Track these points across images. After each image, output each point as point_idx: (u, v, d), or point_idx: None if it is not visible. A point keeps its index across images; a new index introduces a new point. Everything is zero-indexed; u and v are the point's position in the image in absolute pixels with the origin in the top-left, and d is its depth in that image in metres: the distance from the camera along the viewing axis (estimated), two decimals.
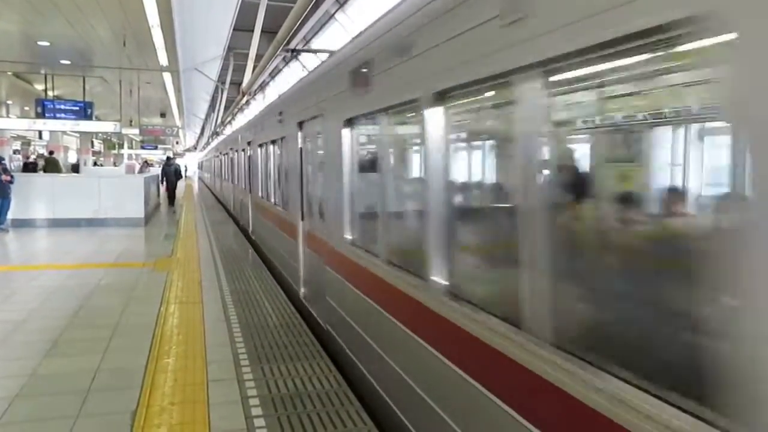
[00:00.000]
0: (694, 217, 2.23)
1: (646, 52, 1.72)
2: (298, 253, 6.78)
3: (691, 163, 2.66)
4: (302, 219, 6.64)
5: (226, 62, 20.71)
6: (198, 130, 47.88)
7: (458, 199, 3.24)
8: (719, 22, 1.38)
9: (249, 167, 12.26)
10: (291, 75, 20.19)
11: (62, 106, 17.21)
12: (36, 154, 30.63)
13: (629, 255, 2.16)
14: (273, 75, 23.51)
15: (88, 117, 17.43)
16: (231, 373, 4.44)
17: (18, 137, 34.05)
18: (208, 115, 36.03)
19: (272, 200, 9.17)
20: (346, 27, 14.37)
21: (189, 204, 21.96)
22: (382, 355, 3.84)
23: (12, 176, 13.14)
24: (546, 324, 2.11)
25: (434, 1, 2.97)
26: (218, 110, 26.38)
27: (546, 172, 2.18)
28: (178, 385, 4.19)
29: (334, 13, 14.81)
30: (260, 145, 10.37)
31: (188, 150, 63.79)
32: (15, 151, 32.02)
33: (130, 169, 25.26)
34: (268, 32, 12.66)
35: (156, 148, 47.27)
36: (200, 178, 46.41)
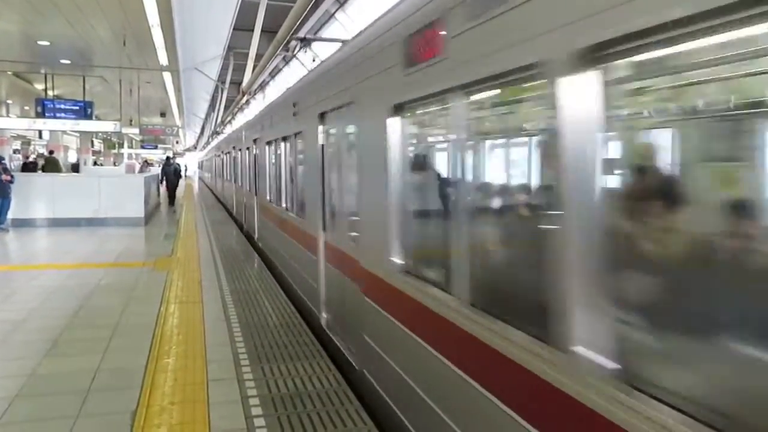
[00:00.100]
0: None
1: None
2: (318, 271, 5.69)
3: None
4: (323, 230, 5.56)
5: (226, 62, 20.70)
6: (198, 130, 47.87)
7: (619, 217, 1.94)
8: None
9: (255, 167, 11.23)
10: (291, 75, 20.18)
11: (62, 106, 17.21)
12: (36, 153, 30.62)
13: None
14: (273, 74, 23.50)
15: (88, 116, 17.44)
16: (231, 373, 4.44)
17: (18, 137, 34.09)
18: (208, 115, 36.03)
19: (283, 205, 8.07)
20: (347, 26, 14.37)
21: (189, 204, 21.95)
22: None
23: (12, 176, 13.14)
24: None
25: None
26: (218, 110, 26.37)
27: None
28: (178, 385, 4.19)
29: (335, 12, 14.81)
30: (268, 143, 9.31)
31: (188, 150, 63.79)
32: (15, 151, 32.04)
33: (130, 169, 25.25)
34: (268, 32, 12.67)
35: (156, 147, 47.31)
36: (200, 178, 46.40)
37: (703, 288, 1.70)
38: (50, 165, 18.79)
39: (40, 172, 18.07)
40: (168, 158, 25.99)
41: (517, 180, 2.72)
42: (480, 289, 2.66)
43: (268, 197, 9.56)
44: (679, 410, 1.56)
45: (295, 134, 6.91)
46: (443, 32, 2.82)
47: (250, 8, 13.61)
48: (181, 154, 62.35)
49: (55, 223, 13.53)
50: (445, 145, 3.20)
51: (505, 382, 2.32)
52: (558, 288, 1.96)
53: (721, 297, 1.65)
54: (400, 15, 3.49)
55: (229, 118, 24.71)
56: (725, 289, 1.64)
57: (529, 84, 2.32)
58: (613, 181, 1.89)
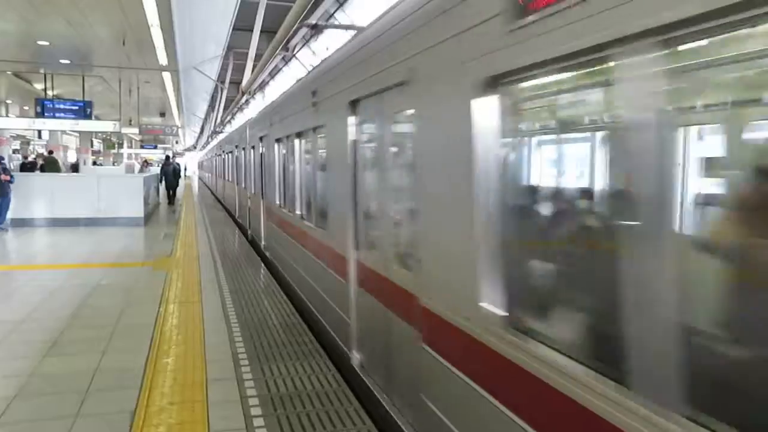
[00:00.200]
0: None
1: None
2: (348, 299, 4.58)
3: None
4: (356, 248, 4.46)
5: (226, 61, 20.71)
6: (197, 130, 47.87)
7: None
8: None
9: (261, 168, 10.14)
10: (290, 75, 20.18)
11: (62, 106, 17.23)
12: (35, 153, 30.61)
13: None
14: (272, 74, 23.51)
15: (87, 116, 17.45)
16: (230, 373, 4.44)
17: (18, 137, 34.08)
18: (207, 115, 36.02)
19: (298, 212, 6.95)
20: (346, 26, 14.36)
21: (188, 204, 21.94)
22: None
23: (12, 176, 13.14)
24: None
25: None
26: (218, 109, 26.38)
27: None
28: (178, 385, 4.19)
29: (334, 12, 14.82)
30: (278, 141, 8.21)
31: (188, 149, 63.79)
32: (15, 151, 32.03)
33: (129, 169, 25.26)
34: (268, 32, 12.68)
35: (155, 147, 47.36)
36: (200, 178, 46.35)
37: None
38: (50, 165, 18.80)
39: (38, 172, 18.07)
40: (167, 157, 25.98)
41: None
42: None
43: (277, 202, 8.46)
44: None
45: (314, 129, 5.86)
46: None
47: (249, 8, 13.61)
48: (180, 154, 62.36)
49: (55, 222, 13.53)
50: (587, 135, 2.33)
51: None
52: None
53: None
54: None
55: (228, 118, 24.72)
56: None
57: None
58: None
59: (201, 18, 13.24)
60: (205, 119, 38.58)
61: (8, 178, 12.86)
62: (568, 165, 2.37)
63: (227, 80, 22.16)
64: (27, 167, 19.11)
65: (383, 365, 3.95)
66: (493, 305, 2.44)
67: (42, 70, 17.29)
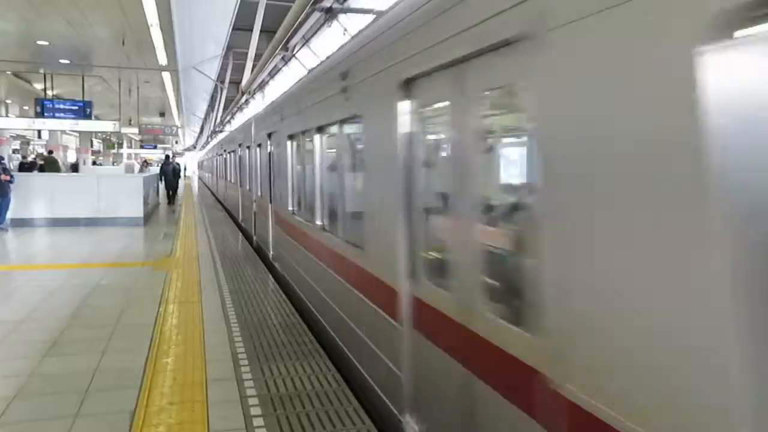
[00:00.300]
0: None
1: None
2: (399, 345, 3.46)
3: None
4: (411, 277, 3.32)
5: (225, 61, 20.71)
6: (197, 130, 47.88)
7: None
8: None
9: (269, 168, 9.07)
10: (290, 75, 20.18)
11: (61, 106, 17.25)
12: (35, 153, 30.61)
13: None
14: (272, 74, 23.51)
15: (87, 116, 17.46)
16: (230, 373, 4.44)
17: (17, 137, 34.08)
18: (207, 115, 36.03)
19: (318, 222, 5.78)
20: (346, 26, 14.36)
21: (188, 204, 21.95)
22: None
23: (11, 175, 13.14)
24: None
25: None
26: (217, 109, 26.39)
27: None
28: (177, 385, 4.19)
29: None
30: (291, 137, 7.16)
31: (187, 149, 63.81)
32: (14, 151, 32.03)
33: (129, 169, 25.26)
34: (268, 31, 12.69)
35: (155, 147, 47.36)
36: (200, 178, 46.32)
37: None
38: (49, 165, 18.80)
39: (35, 172, 18.06)
40: (167, 157, 25.97)
41: None
42: None
43: (290, 208, 7.30)
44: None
45: (343, 121, 4.75)
46: None
47: (249, 8, 13.61)
48: (180, 154, 62.38)
49: (54, 222, 13.53)
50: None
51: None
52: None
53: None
54: None
55: (228, 118, 24.72)
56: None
57: None
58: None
59: (200, 18, 13.24)
60: (205, 119, 38.59)
61: (8, 178, 12.86)
62: None
63: (227, 80, 22.17)
64: (26, 167, 19.11)
65: None
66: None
67: (42, 70, 17.29)
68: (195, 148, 59.02)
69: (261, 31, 11.77)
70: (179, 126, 33.20)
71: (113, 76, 17.80)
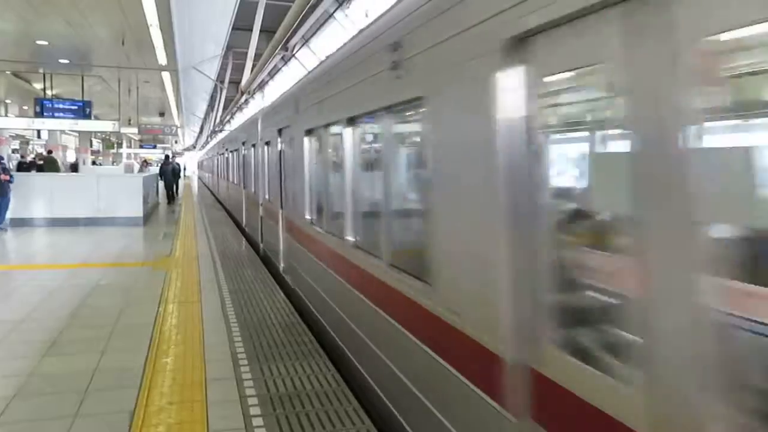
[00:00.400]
0: None
1: None
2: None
3: None
4: (526, 341, 2.18)
5: (225, 61, 20.71)
6: (197, 129, 47.86)
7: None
8: None
9: (280, 169, 7.98)
10: (290, 75, 20.18)
11: (61, 105, 17.24)
12: (35, 153, 30.60)
13: None
14: (272, 74, 23.51)
15: (86, 116, 17.46)
16: (229, 373, 4.44)
17: (17, 136, 34.07)
18: (207, 114, 36.03)
19: (349, 238, 4.65)
20: (346, 26, 14.36)
21: (188, 204, 21.95)
22: None
23: (11, 175, 13.14)
24: None
25: None
26: (217, 109, 26.39)
27: None
28: (177, 385, 4.19)
29: (333, 12, 14.81)
30: (310, 132, 6.04)
31: (187, 149, 63.80)
32: (14, 150, 32.02)
33: (129, 169, 25.26)
34: (267, 31, 12.70)
35: (155, 147, 47.32)
36: (200, 178, 46.28)
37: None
38: (49, 165, 18.80)
39: (33, 172, 18.04)
40: (167, 157, 25.95)
41: None
42: None
43: (307, 216, 6.20)
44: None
45: (393, 107, 3.61)
46: None
47: (249, 8, 13.61)
48: (180, 154, 62.37)
49: (54, 222, 13.52)
50: None
51: None
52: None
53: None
54: None
55: (228, 118, 24.71)
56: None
57: None
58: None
59: (200, 18, 13.24)
60: (205, 119, 38.60)
61: (8, 177, 12.86)
62: None
63: (226, 80, 22.17)
64: (24, 167, 19.10)
65: None
66: None
67: (41, 70, 17.28)
68: (195, 147, 59.02)
69: (261, 31, 11.77)
70: (179, 126, 33.20)
71: (113, 76, 17.79)
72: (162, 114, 29.16)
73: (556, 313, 2.04)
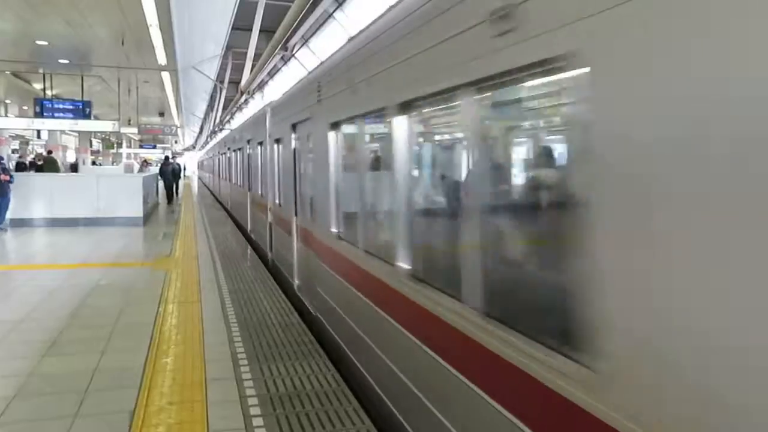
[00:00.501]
0: None
1: None
2: None
3: None
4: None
5: (225, 61, 20.71)
6: (197, 129, 47.86)
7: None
8: None
9: (294, 170, 7.08)
10: (290, 75, 20.18)
11: (61, 106, 17.25)
12: (34, 153, 30.59)
13: None
14: (272, 74, 23.51)
15: (86, 116, 17.46)
16: (229, 373, 4.44)
17: (17, 136, 34.07)
18: (206, 114, 36.03)
19: (405, 266, 3.43)
20: (345, 26, 14.36)
21: (188, 204, 21.95)
22: None
23: (11, 175, 13.13)
24: None
25: None
26: (217, 109, 26.39)
27: None
28: (177, 385, 4.18)
29: (333, 12, 14.81)
30: (335, 125, 5.01)
31: (187, 149, 63.80)
32: (14, 151, 32.02)
33: (129, 169, 25.26)
34: (267, 31, 12.69)
35: (155, 147, 47.35)
36: (200, 178, 46.24)
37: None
38: (49, 165, 18.79)
39: (32, 172, 18.02)
40: (167, 157, 25.94)
41: None
42: None
43: (334, 229, 5.13)
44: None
45: (490, 80, 2.41)
46: None
47: (248, 8, 13.60)
48: (179, 154, 62.37)
49: (54, 222, 13.52)
50: None
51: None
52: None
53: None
54: None
55: (228, 117, 24.71)
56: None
57: None
58: None
59: (200, 17, 13.24)
60: (205, 119, 38.61)
61: (8, 178, 12.85)
62: None
63: (226, 80, 22.17)
64: (22, 167, 19.09)
65: None
66: None
67: (41, 70, 17.30)
68: (194, 147, 59.02)
69: (260, 31, 11.77)
70: (179, 126, 33.20)
71: (112, 76, 17.80)
72: (162, 114, 29.17)
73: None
